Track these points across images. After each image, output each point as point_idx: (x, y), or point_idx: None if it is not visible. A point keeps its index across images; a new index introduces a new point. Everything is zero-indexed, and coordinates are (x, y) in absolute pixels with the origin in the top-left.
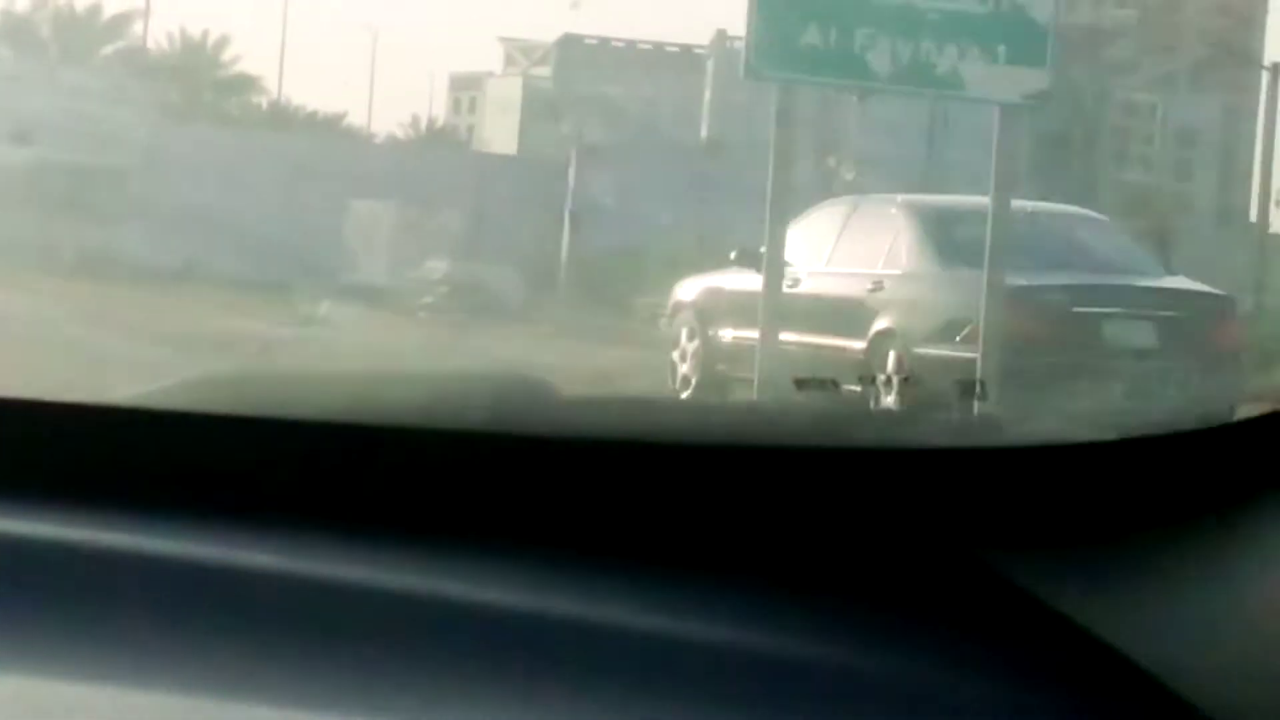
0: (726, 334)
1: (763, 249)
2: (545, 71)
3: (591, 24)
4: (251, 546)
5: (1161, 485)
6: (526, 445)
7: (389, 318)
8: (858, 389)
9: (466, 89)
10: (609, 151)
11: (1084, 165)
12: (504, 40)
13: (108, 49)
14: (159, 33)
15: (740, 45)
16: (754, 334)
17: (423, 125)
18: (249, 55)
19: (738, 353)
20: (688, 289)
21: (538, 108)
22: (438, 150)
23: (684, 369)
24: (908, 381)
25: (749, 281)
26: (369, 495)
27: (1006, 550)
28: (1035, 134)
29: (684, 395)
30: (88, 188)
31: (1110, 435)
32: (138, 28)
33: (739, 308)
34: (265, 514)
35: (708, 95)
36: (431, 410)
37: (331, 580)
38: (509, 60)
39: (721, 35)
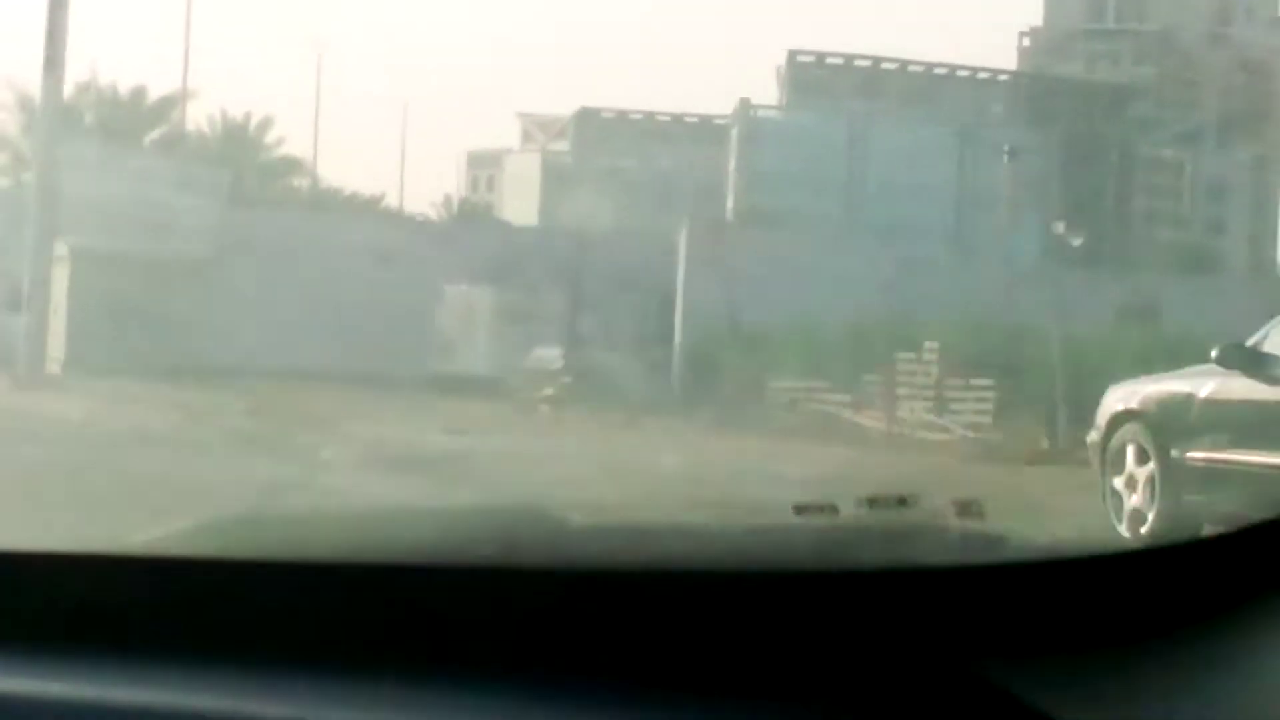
0: (1199, 454)
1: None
2: (564, 146)
3: (609, 96)
4: (263, 696)
5: (1153, 596)
6: (535, 577)
7: (505, 412)
8: (857, 511)
9: (484, 167)
10: (715, 229)
11: (1118, 224)
12: (521, 116)
13: (153, 133)
14: (199, 115)
15: (764, 114)
16: (1248, 455)
17: (454, 204)
18: (291, 137)
19: (1217, 479)
20: (1130, 395)
21: (556, 183)
22: (507, 231)
23: (1133, 500)
24: (904, 502)
25: (1235, 387)
26: (379, 637)
27: (1006, 662)
28: (1070, 194)
29: (1137, 532)
30: (168, 281)
31: (1106, 549)
32: (181, 111)
33: (1221, 420)
34: (275, 660)
35: (731, 165)
36: (440, 546)
37: None
38: (526, 136)
39: (745, 104)
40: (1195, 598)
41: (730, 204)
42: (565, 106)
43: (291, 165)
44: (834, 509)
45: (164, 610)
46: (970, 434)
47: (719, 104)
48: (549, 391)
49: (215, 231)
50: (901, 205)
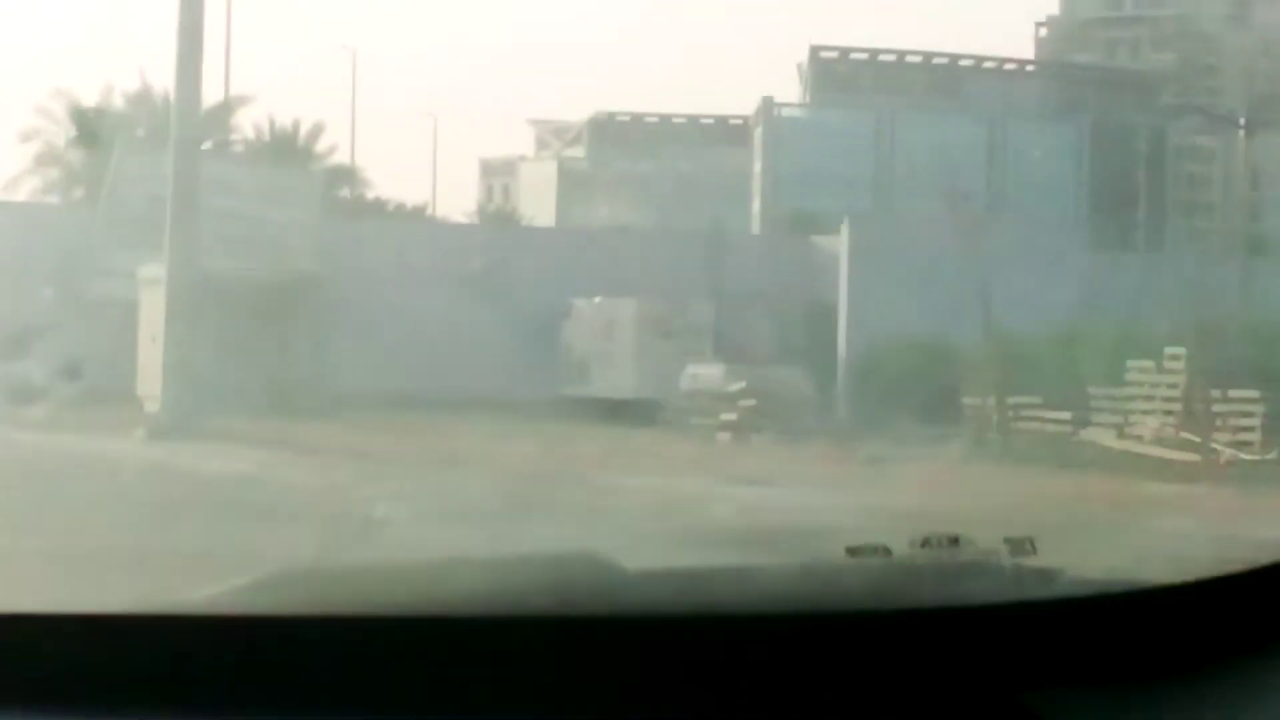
0: None
1: None
2: (579, 152)
3: (626, 99)
4: None
5: (1199, 629)
6: (591, 626)
7: (675, 443)
8: (910, 551)
9: (498, 175)
10: (882, 222)
11: (1153, 214)
12: (534, 123)
13: (206, 143)
14: (244, 123)
15: (788, 112)
16: None
17: (486, 211)
18: (343, 144)
19: None
20: None
21: (574, 189)
22: (628, 237)
23: None
24: (956, 541)
25: None
26: (437, 689)
27: (1055, 694)
28: (1099, 185)
29: None
30: (278, 303)
31: (1158, 583)
32: (233, 118)
33: None
34: (338, 712)
35: (757, 166)
36: (497, 596)
37: None
38: (541, 143)
39: (769, 102)
40: (1242, 630)
41: (757, 205)
42: (579, 112)
43: (343, 175)
44: (886, 550)
45: (223, 667)
46: (1239, 454)
47: (731, 104)
48: (731, 417)
49: (320, 247)
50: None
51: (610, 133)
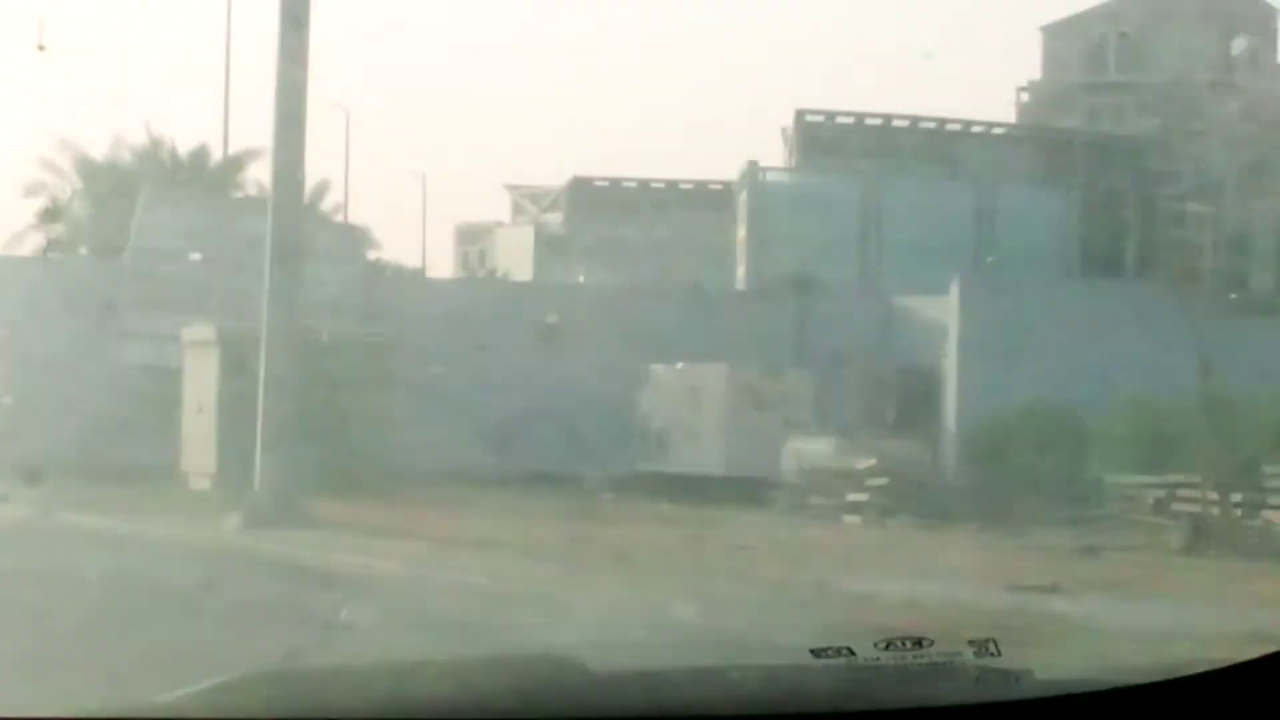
0: None
1: None
2: (556, 218)
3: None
4: None
5: None
6: None
7: (803, 528)
8: (875, 653)
9: (474, 241)
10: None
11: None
12: (511, 188)
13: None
14: (247, 180)
15: (774, 177)
16: None
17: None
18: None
19: None
20: None
21: (550, 255)
22: (700, 296)
23: None
24: (920, 643)
25: None
26: None
27: None
28: (1091, 252)
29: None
30: (378, 367)
31: (1129, 680)
32: (242, 173)
33: None
34: None
35: (742, 231)
36: (463, 700)
37: None
38: (517, 208)
39: (754, 166)
40: None
41: (741, 270)
42: (555, 177)
43: (363, 234)
44: (850, 651)
45: None
46: None
47: (714, 169)
48: (861, 497)
49: (368, 308)
50: (921, 266)
51: (588, 198)
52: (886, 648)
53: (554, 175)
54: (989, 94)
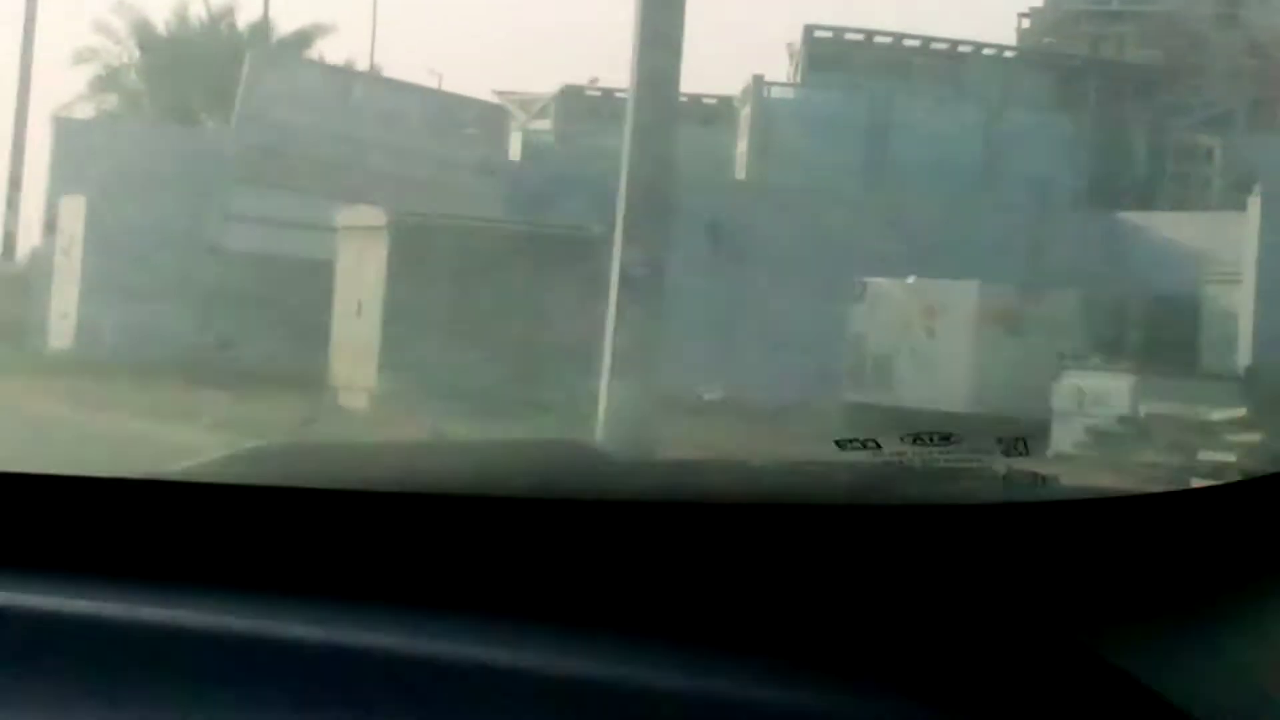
0: None
1: None
2: (545, 124)
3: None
4: (295, 618)
5: (1204, 540)
6: (571, 509)
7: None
8: (902, 449)
9: None
10: None
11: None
12: (501, 94)
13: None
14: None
15: (779, 93)
16: None
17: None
18: None
19: None
20: None
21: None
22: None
23: None
24: (948, 439)
25: None
26: (412, 565)
27: (1043, 597)
28: (1092, 183)
29: None
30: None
31: (1154, 487)
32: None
33: None
34: (307, 584)
35: (743, 146)
36: (479, 478)
37: (374, 649)
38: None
39: (759, 81)
40: (1253, 540)
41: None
42: (546, 84)
43: None
44: (876, 445)
45: (198, 533)
46: None
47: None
48: (1223, 458)
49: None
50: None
51: (578, 107)
52: (914, 442)
53: (547, 83)
54: (995, 18)
